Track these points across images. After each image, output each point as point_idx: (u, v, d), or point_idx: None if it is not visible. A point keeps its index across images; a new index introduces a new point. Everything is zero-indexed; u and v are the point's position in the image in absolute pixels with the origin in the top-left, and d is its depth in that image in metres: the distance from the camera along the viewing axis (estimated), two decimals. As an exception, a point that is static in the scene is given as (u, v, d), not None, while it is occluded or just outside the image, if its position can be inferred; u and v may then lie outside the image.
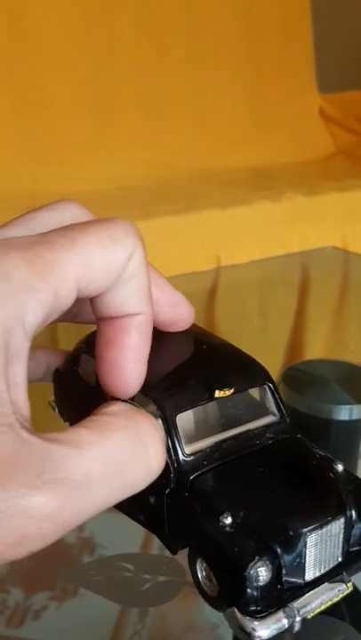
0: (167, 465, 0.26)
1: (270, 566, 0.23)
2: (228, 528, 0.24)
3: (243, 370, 0.29)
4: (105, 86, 1.26)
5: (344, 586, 0.24)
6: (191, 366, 0.28)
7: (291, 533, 0.24)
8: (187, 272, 0.94)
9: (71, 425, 0.31)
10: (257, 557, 0.23)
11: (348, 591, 0.25)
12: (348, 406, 0.41)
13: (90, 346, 0.31)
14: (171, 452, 0.26)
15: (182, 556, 0.30)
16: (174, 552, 0.27)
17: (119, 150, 1.26)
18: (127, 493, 0.21)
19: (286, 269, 1.02)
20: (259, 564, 0.23)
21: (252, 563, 0.23)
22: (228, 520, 0.24)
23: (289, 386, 0.44)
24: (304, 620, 0.24)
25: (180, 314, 0.27)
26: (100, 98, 1.27)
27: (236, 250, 1.02)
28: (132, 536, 0.38)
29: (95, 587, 0.36)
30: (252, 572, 0.23)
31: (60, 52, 1.22)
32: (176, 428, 0.26)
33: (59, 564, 0.39)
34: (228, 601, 0.24)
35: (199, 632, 0.33)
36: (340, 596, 0.24)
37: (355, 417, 0.41)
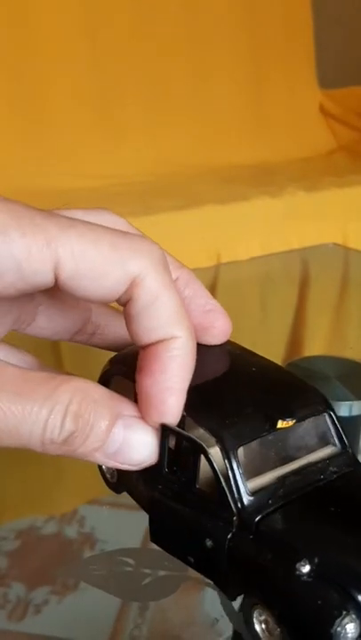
0: (227, 505, 0.23)
1: (357, 620, 0.21)
2: (305, 577, 0.21)
3: (302, 397, 0.27)
4: (106, 83, 1.26)
5: None
6: (246, 392, 0.26)
7: None
8: (187, 268, 0.93)
9: None
10: (344, 612, 0.20)
11: None
12: (347, 402, 0.42)
13: (123, 366, 0.28)
14: (233, 489, 0.23)
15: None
16: (233, 598, 0.25)
17: (119, 147, 1.26)
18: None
19: (287, 266, 1.02)
20: (346, 619, 0.20)
21: (339, 618, 0.20)
22: (306, 568, 0.21)
23: (289, 382, 0.44)
24: None
25: (213, 321, 0.26)
26: (101, 95, 1.26)
27: (237, 246, 1.02)
28: (133, 531, 0.39)
29: (96, 581, 0.36)
30: (338, 628, 0.20)
31: (60, 48, 1.22)
32: (238, 462, 0.23)
33: (59, 559, 0.39)
34: None
35: (200, 626, 0.33)
36: None
37: (355, 413, 0.42)
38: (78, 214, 0.22)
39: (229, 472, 0.24)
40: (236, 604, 0.32)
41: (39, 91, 1.20)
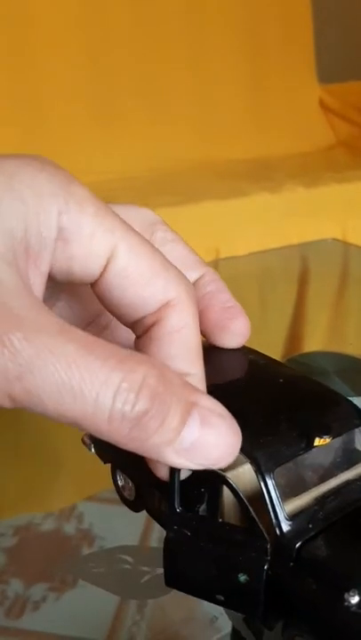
0: (261, 534, 0.22)
1: None
2: (355, 609, 0.20)
3: (337, 410, 0.25)
4: (105, 79, 1.26)
5: None
6: (277, 406, 0.24)
7: None
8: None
9: (113, 466, 0.28)
10: None
11: None
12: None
13: None
14: (270, 515, 0.22)
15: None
16: (272, 629, 0.23)
17: (119, 142, 1.26)
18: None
19: (286, 261, 1.02)
20: None
21: None
22: (356, 599, 0.20)
23: (288, 378, 0.44)
24: None
25: (232, 318, 0.25)
26: (99, 90, 1.26)
27: (236, 241, 1.02)
28: (132, 528, 0.39)
29: (94, 579, 0.36)
30: None
31: (59, 45, 1.21)
32: (275, 484, 0.22)
33: (58, 556, 0.39)
34: None
35: (198, 624, 0.33)
36: None
37: (354, 409, 0.41)
38: (118, 209, 0.22)
39: (266, 496, 0.22)
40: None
41: (37, 86, 1.20)
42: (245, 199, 1.05)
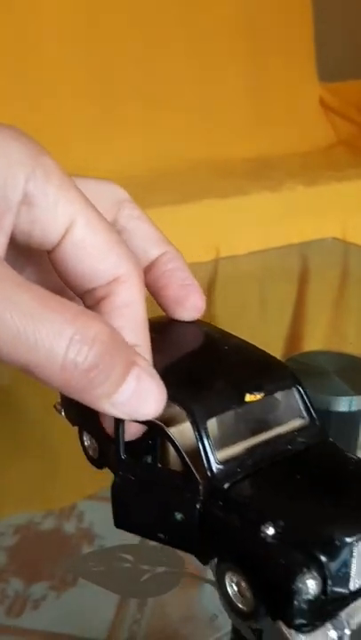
0: (194, 477, 0.25)
1: (319, 578, 0.22)
2: (270, 539, 0.23)
3: (271, 372, 0.28)
4: (105, 77, 1.25)
5: None
6: (217, 367, 0.27)
7: (337, 543, 0.23)
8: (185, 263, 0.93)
9: (80, 429, 0.32)
10: (305, 569, 0.22)
11: None
12: (347, 398, 0.42)
13: None
14: (202, 459, 0.25)
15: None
16: (206, 563, 0.26)
17: (119, 140, 1.26)
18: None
19: (286, 260, 1.02)
20: (307, 576, 0.22)
21: (301, 575, 0.22)
22: (271, 530, 0.23)
23: (288, 377, 0.44)
24: (352, 633, 0.23)
25: (188, 295, 0.27)
26: (99, 88, 1.26)
27: (236, 240, 1.02)
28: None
29: (94, 577, 0.36)
30: (300, 584, 0.22)
31: (60, 42, 1.21)
32: (207, 434, 0.25)
33: (58, 554, 0.39)
34: (271, 615, 0.23)
35: (198, 622, 0.33)
36: None
37: (354, 408, 0.41)
38: (90, 183, 0.24)
39: (199, 442, 0.25)
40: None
41: (38, 85, 1.20)
42: (246, 198, 1.05)
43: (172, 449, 0.26)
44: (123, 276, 0.22)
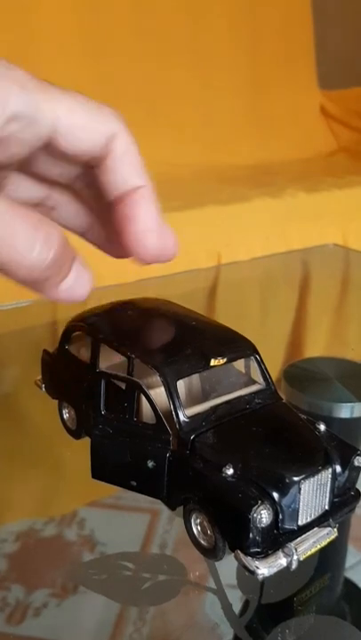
0: (165, 429, 0.28)
1: (271, 510, 0.26)
2: (230, 478, 0.26)
3: (233, 342, 0.33)
4: (106, 85, 1.26)
5: (332, 530, 0.27)
6: (186, 338, 0.32)
7: (287, 481, 0.26)
8: (188, 269, 0.93)
9: (60, 401, 0.37)
10: (259, 502, 0.25)
11: (335, 535, 0.27)
12: (349, 404, 0.42)
13: (82, 323, 0.35)
14: (172, 414, 0.29)
15: (183, 555, 0.30)
16: (174, 509, 0.30)
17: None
18: None
19: (287, 266, 1.02)
20: (261, 507, 0.25)
21: (255, 506, 0.25)
22: (230, 471, 0.26)
23: (290, 383, 0.44)
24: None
25: (166, 244, 0.29)
26: (99, 95, 1.26)
27: (237, 247, 1.02)
28: (133, 534, 0.38)
29: (95, 585, 0.36)
30: (255, 514, 0.25)
31: (59, 49, 1.22)
32: (177, 392, 0.29)
33: (59, 562, 0.39)
34: (230, 546, 0.26)
35: (199, 631, 0.32)
36: (329, 539, 0.27)
37: (356, 414, 0.41)
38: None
39: (170, 399, 0.28)
40: (237, 608, 0.32)
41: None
42: (247, 204, 1.05)
43: (146, 405, 0.30)
44: (113, 133, 0.27)
